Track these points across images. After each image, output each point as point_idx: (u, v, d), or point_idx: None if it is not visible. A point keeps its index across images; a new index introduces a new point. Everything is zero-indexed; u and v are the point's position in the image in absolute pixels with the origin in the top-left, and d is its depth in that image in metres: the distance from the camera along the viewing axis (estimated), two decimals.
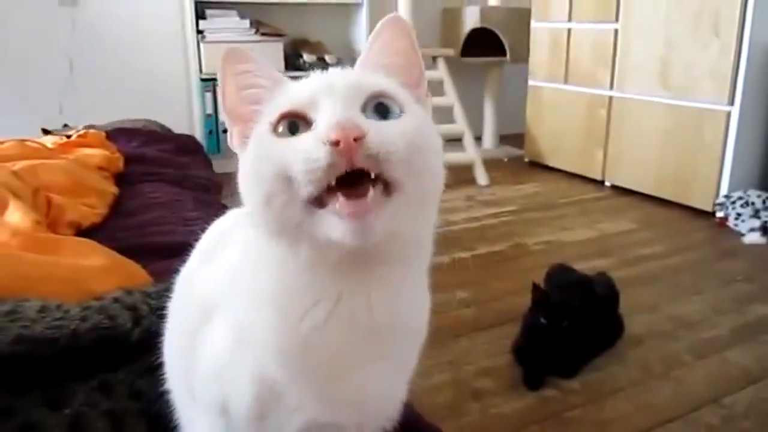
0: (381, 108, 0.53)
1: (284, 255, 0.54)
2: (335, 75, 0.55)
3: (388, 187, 0.49)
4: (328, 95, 0.52)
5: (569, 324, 1.54)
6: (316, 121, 0.51)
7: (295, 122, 0.52)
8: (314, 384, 0.58)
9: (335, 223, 0.48)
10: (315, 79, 0.56)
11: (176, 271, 0.79)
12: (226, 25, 3.49)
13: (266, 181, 0.51)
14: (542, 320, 1.55)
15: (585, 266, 1.97)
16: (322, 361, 0.57)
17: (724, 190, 2.78)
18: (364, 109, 0.52)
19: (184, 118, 3.66)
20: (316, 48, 3.78)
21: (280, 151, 0.50)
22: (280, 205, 0.50)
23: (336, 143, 0.47)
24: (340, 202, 0.48)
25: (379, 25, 0.59)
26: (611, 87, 3.30)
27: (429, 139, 0.55)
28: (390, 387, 0.62)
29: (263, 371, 0.58)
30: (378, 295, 0.56)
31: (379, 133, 0.49)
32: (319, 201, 0.49)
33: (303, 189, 0.48)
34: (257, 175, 0.52)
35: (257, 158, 0.53)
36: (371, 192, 0.48)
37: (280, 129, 0.52)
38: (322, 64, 3.70)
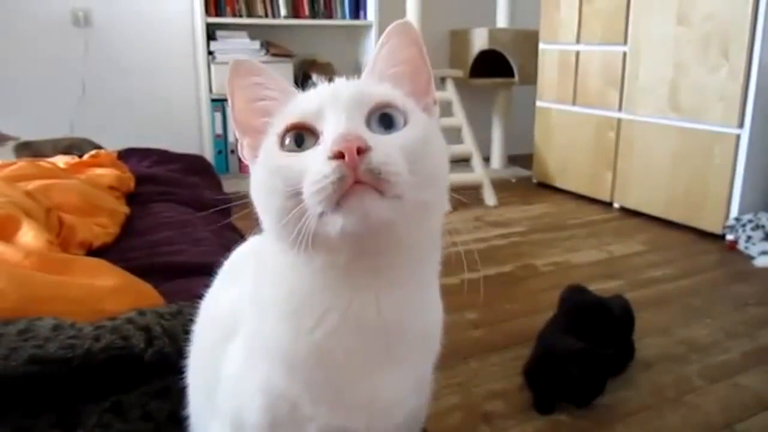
0: (385, 119, 0.54)
1: (297, 262, 0.54)
2: (340, 85, 0.56)
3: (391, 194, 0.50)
4: (332, 106, 0.53)
5: (590, 354, 1.52)
6: (322, 134, 0.52)
7: (301, 134, 0.53)
8: (327, 390, 0.58)
9: (337, 220, 0.49)
10: (321, 89, 0.56)
11: (187, 291, 0.80)
12: (237, 46, 3.53)
13: (277, 197, 0.52)
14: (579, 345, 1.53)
15: (594, 288, 1.96)
16: (336, 365, 0.57)
17: (734, 213, 2.77)
18: (368, 120, 0.53)
19: (194, 138, 3.69)
20: (325, 69, 3.81)
21: (288, 167, 0.52)
22: (292, 217, 0.51)
23: (340, 156, 0.48)
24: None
25: (386, 31, 0.59)
26: (620, 109, 3.30)
27: (432, 147, 0.55)
28: (402, 391, 0.62)
29: (275, 381, 0.58)
30: (387, 299, 0.56)
31: (382, 148, 0.49)
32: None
33: (313, 208, 0.49)
34: (268, 190, 0.53)
35: (267, 174, 0.54)
36: (370, 191, 0.49)
37: (287, 141, 0.53)
38: None
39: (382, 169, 0.48)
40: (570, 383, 1.54)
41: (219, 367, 0.65)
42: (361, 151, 0.48)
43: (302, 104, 0.55)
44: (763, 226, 2.63)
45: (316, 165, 0.49)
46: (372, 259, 0.53)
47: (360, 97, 0.54)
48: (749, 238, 2.64)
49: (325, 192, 0.48)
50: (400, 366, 0.60)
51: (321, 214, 0.49)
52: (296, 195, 0.50)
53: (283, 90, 0.59)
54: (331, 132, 0.51)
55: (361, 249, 0.52)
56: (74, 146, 2.39)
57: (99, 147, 2.33)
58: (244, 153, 0.59)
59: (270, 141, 0.55)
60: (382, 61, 0.60)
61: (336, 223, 0.49)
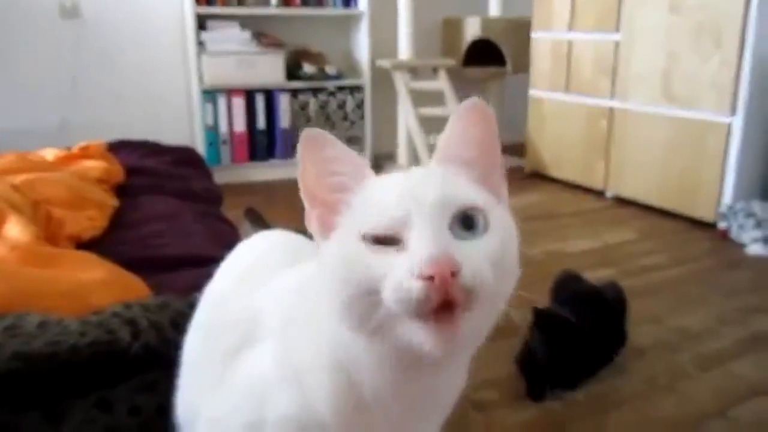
0: (467, 221, 0.53)
1: (356, 337, 0.55)
2: (424, 189, 0.54)
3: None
4: (418, 214, 0.52)
5: (572, 338, 1.53)
6: (407, 241, 0.51)
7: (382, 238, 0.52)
8: None
9: (422, 335, 0.49)
10: (402, 188, 0.54)
11: (177, 283, 0.79)
12: (227, 36, 3.50)
13: (351, 290, 0.51)
14: (543, 345, 1.54)
15: (588, 276, 1.96)
16: (375, 423, 0.59)
17: (726, 201, 2.77)
18: (451, 224, 0.52)
19: (185, 130, 3.66)
20: (316, 59, 3.79)
21: (368, 266, 0.51)
22: (364, 309, 0.51)
23: (430, 278, 0.47)
24: (427, 323, 0.49)
25: (459, 110, 0.58)
26: (612, 97, 3.30)
27: (512, 246, 0.56)
28: None
29: (312, 412, 0.59)
30: (442, 382, 0.60)
31: (470, 264, 0.49)
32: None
33: (391, 309, 0.49)
34: (342, 281, 0.52)
35: (344, 265, 0.53)
36: (459, 315, 0.49)
37: (369, 239, 0.52)
38: (323, 75, 3.72)
39: (474, 284, 0.49)
40: (558, 369, 1.54)
41: (228, 367, 0.66)
42: (453, 274, 0.48)
43: (384, 207, 0.53)
44: (755, 214, 2.63)
45: (400, 275, 0.49)
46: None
47: (445, 203, 0.53)
48: (741, 226, 2.64)
49: (409, 306, 0.48)
50: (429, 422, 0.64)
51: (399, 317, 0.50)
52: (374, 293, 0.50)
53: (357, 166, 0.58)
54: (420, 249, 0.49)
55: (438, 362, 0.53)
56: None
57: None
58: (312, 225, 0.58)
59: (349, 233, 0.54)
60: (455, 144, 0.59)
61: (418, 337, 0.49)
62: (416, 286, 0.48)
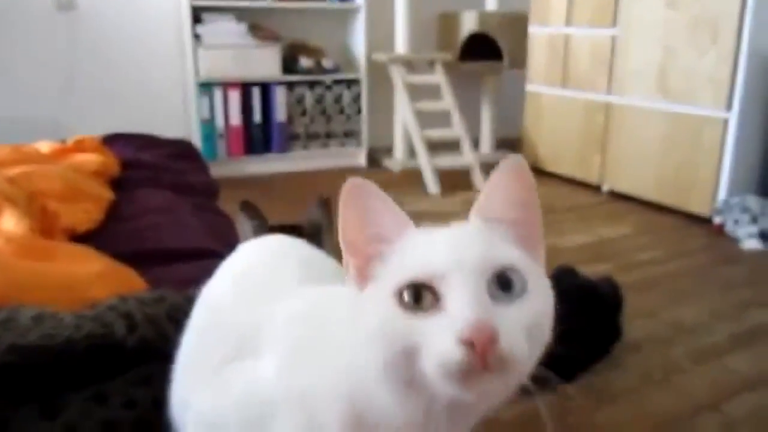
0: (506, 282, 0.53)
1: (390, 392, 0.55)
2: (465, 246, 0.54)
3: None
4: (458, 272, 0.51)
5: (565, 331, 1.53)
6: (445, 299, 0.51)
7: (419, 290, 0.52)
8: None
9: (450, 391, 0.50)
10: (442, 245, 0.54)
11: (172, 277, 0.79)
12: (223, 29, 3.49)
13: (389, 353, 0.51)
14: None
15: (583, 271, 1.97)
16: None
17: (722, 196, 2.78)
18: (489, 284, 0.52)
19: (181, 123, 3.65)
20: (313, 53, 3.78)
21: (408, 330, 0.51)
22: (399, 369, 0.51)
23: (470, 343, 0.48)
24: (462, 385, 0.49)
25: (500, 166, 0.57)
26: (609, 92, 3.30)
27: (547, 315, 0.55)
28: None
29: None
30: (464, 419, 0.58)
31: (508, 332, 0.49)
32: None
33: (429, 374, 0.49)
34: (382, 344, 0.52)
35: (382, 329, 0.52)
36: (486, 379, 0.49)
37: (406, 298, 0.52)
38: (319, 69, 3.71)
39: (511, 355, 0.49)
40: (552, 362, 1.54)
41: (224, 373, 0.66)
42: (491, 338, 0.48)
43: (423, 260, 0.53)
44: (750, 209, 2.64)
45: (440, 341, 0.49)
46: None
47: (486, 262, 0.52)
48: (737, 221, 2.65)
49: (450, 374, 0.48)
50: None
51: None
52: (409, 355, 0.50)
53: (398, 220, 0.57)
54: (462, 310, 0.49)
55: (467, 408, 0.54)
56: None
57: None
58: (350, 275, 0.58)
59: (385, 291, 0.53)
60: (495, 201, 0.58)
61: (450, 392, 0.50)
62: (459, 353, 0.48)
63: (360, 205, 0.57)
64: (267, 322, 0.68)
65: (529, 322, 0.51)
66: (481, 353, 0.47)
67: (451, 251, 0.53)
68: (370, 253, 0.57)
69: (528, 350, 0.51)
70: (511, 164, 0.57)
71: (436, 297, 0.51)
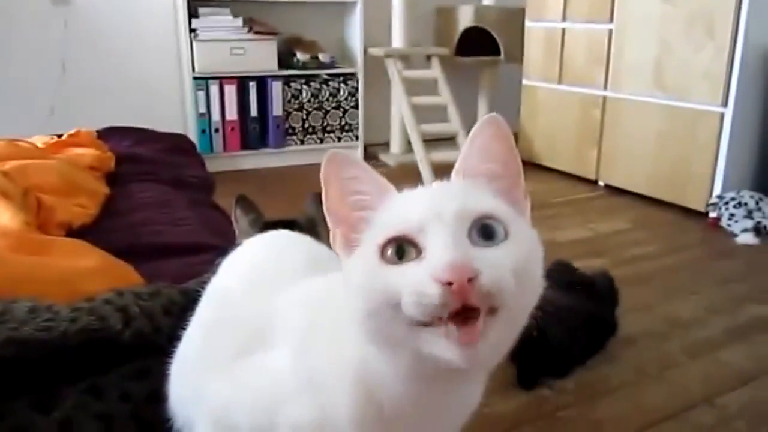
0: (486, 230, 0.53)
1: (380, 352, 0.56)
2: (443, 198, 0.54)
3: (494, 308, 0.50)
4: (436, 222, 0.52)
5: (562, 327, 1.54)
6: (426, 249, 0.51)
7: (402, 246, 0.52)
8: None
9: (444, 345, 0.49)
10: (421, 200, 0.55)
11: (168, 271, 0.79)
12: (219, 23, 3.47)
13: (372, 303, 0.52)
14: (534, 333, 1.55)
15: (579, 266, 1.97)
16: (393, 429, 0.60)
17: (717, 191, 2.78)
18: (470, 232, 0.52)
19: (177, 117, 3.64)
20: (309, 47, 3.77)
21: (389, 279, 0.51)
22: (385, 322, 0.51)
23: (449, 283, 0.47)
24: (449, 329, 0.49)
25: (477, 126, 0.58)
26: (605, 87, 3.30)
27: (534, 260, 0.55)
28: None
29: (328, 422, 0.60)
30: (460, 398, 0.61)
31: (490, 270, 0.49)
32: (424, 322, 0.50)
33: (411, 317, 0.49)
34: (364, 297, 0.53)
35: (365, 283, 0.53)
36: (481, 321, 0.49)
37: (389, 253, 0.53)
38: (316, 63, 3.70)
39: (493, 288, 0.48)
40: (548, 357, 1.55)
41: (240, 366, 0.67)
42: (471, 280, 0.48)
43: (405, 215, 0.54)
44: (745, 204, 2.65)
45: (418, 280, 0.49)
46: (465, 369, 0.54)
47: (464, 211, 0.53)
48: (732, 215, 2.66)
49: (426, 310, 0.48)
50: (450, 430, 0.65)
51: (419, 324, 0.50)
52: (395, 307, 0.50)
53: (379, 186, 0.58)
54: (438, 255, 0.50)
55: (461, 374, 0.54)
56: None
57: None
58: (337, 244, 0.59)
59: (369, 250, 0.54)
60: (474, 157, 0.59)
61: (440, 347, 0.49)
62: (434, 291, 0.48)
63: (340, 176, 0.58)
64: (277, 314, 0.68)
65: (514, 265, 0.51)
66: (460, 291, 0.47)
67: (430, 204, 0.54)
68: (353, 220, 0.58)
69: (517, 291, 0.50)
70: (488, 121, 0.58)
71: (419, 250, 0.52)
